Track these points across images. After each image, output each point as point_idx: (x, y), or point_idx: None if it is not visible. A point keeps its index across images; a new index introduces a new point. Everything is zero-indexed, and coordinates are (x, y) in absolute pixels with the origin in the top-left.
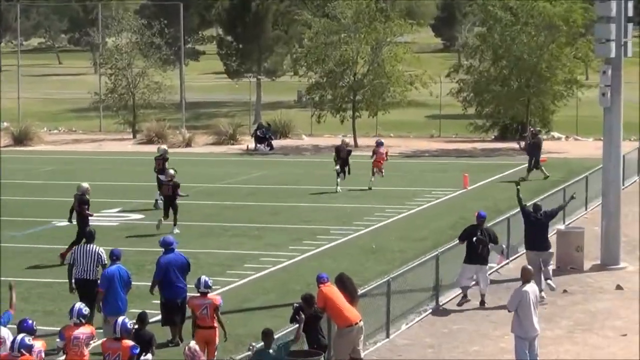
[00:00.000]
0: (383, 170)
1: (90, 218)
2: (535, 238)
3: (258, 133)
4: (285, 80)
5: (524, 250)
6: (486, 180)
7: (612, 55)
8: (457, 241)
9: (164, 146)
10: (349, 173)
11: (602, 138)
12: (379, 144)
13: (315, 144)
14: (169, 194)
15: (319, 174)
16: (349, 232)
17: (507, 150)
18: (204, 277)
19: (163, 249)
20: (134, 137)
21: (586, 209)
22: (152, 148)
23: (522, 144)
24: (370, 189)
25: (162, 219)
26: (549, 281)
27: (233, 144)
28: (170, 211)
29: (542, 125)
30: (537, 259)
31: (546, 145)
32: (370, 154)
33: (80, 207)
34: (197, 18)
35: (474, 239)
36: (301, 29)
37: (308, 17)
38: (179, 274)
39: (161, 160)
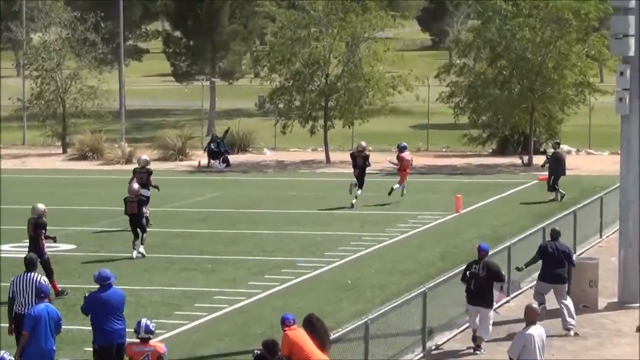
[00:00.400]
0: (403, 182)
1: (48, 244)
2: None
3: (212, 147)
4: (244, 84)
5: (527, 286)
6: (483, 202)
7: (631, 53)
8: (448, 275)
9: (145, 156)
10: (360, 187)
11: (619, 151)
12: (402, 148)
13: (280, 160)
14: (134, 211)
15: (284, 196)
16: (319, 265)
17: (507, 167)
18: (144, 320)
19: (98, 285)
20: (64, 152)
21: (601, 236)
22: (86, 165)
23: (543, 159)
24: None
25: (135, 244)
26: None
27: (182, 160)
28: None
29: (549, 136)
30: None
31: None
32: (395, 161)
33: (36, 232)
34: (140, 10)
35: (467, 272)
36: (263, 22)
37: (271, 9)
38: (116, 314)
39: (145, 174)
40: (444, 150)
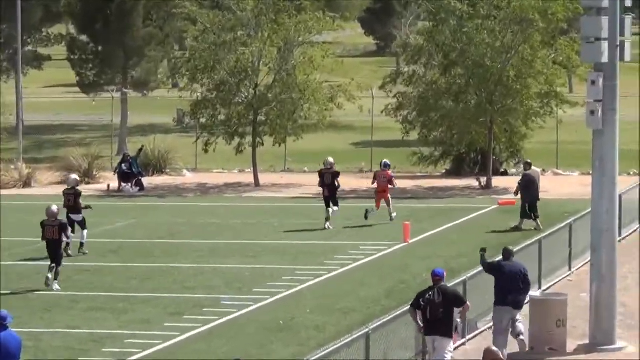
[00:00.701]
0: (390, 205)
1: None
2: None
3: (123, 167)
4: (160, 95)
5: (484, 326)
6: (435, 230)
7: (604, 59)
8: (394, 314)
9: (74, 175)
10: (335, 204)
11: (590, 172)
12: (384, 166)
13: (202, 182)
14: (55, 237)
15: (206, 224)
16: (247, 303)
17: (463, 190)
18: None
19: None
20: None
21: (570, 269)
22: None
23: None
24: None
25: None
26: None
27: (89, 183)
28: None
29: (511, 154)
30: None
31: (514, 182)
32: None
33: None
34: (41, 10)
35: (421, 300)
36: (183, 24)
37: (192, 9)
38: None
39: (72, 196)
40: (390, 171)
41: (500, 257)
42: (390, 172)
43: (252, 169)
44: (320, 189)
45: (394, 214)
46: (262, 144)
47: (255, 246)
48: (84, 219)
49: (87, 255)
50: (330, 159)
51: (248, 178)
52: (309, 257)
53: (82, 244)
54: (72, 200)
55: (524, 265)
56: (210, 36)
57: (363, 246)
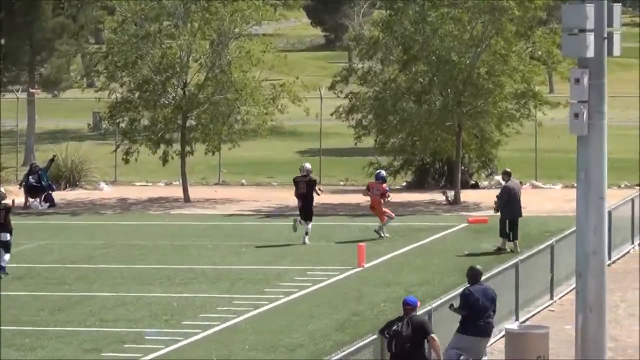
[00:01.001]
0: (385, 218)
1: None
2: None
3: (31, 180)
4: (73, 97)
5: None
6: (394, 252)
7: (590, 54)
8: (348, 351)
9: (2, 189)
10: (307, 219)
11: (575, 184)
12: (378, 177)
13: (122, 197)
14: None
15: (128, 246)
16: (175, 338)
17: (427, 205)
18: None
19: None
20: None
21: (552, 298)
22: None
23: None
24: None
25: None
26: None
27: None
28: None
29: (482, 164)
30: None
31: (486, 196)
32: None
33: None
34: None
35: (385, 332)
36: (99, 14)
37: None
38: None
39: (3, 211)
40: (341, 183)
41: (467, 284)
42: (386, 185)
43: (180, 181)
44: (296, 199)
45: (384, 234)
46: (193, 153)
47: (185, 272)
48: (10, 239)
49: None
50: (307, 165)
51: (176, 192)
52: (248, 284)
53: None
54: (3, 216)
55: (493, 288)
56: (130, 27)
57: (311, 271)
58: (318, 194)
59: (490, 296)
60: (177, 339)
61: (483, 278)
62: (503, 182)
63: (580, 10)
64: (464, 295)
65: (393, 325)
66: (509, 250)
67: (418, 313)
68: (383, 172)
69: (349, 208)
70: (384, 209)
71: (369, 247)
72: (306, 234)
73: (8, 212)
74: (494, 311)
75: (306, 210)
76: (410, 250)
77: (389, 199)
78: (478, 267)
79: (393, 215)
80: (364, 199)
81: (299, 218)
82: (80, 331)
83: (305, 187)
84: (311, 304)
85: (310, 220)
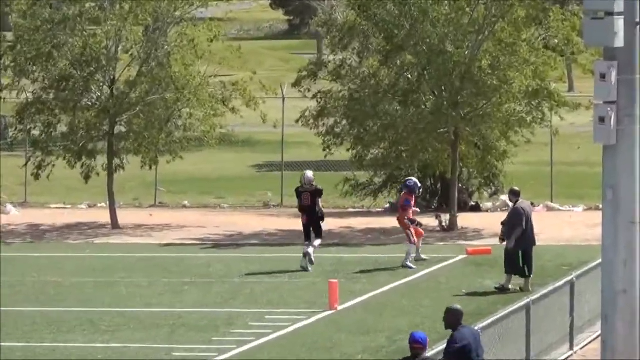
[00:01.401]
0: (408, 238)
1: None
2: None
3: None
4: None
5: None
6: (375, 291)
7: (619, 42)
8: None
9: None
10: (318, 235)
11: (600, 206)
12: (404, 186)
13: (34, 223)
14: None
15: (41, 283)
16: None
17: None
18: None
19: None
20: None
21: (572, 348)
22: None
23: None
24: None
25: None
26: None
27: None
28: None
29: (484, 181)
30: None
31: (489, 221)
32: None
33: None
34: None
35: None
36: None
37: None
38: None
39: None
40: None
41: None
42: (409, 196)
43: (107, 203)
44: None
45: (411, 255)
46: (123, 167)
47: (113, 316)
48: None
49: None
50: (309, 174)
51: (102, 216)
52: (192, 331)
53: None
54: None
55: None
56: (44, 10)
57: (271, 315)
58: (321, 213)
59: (476, 338)
60: None
61: (487, 323)
62: (511, 204)
63: None
64: (454, 345)
65: None
66: (518, 289)
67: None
68: (412, 180)
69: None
70: (408, 226)
71: (343, 285)
72: (313, 246)
73: None
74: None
75: (314, 226)
76: (395, 289)
77: (409, 220)
78: (457, 307)
79: (413, 239)
80: (336, 225)
81: (306, 243)
82: None
83: (310, 199)
84: (271, 355)
85: (320, 236)
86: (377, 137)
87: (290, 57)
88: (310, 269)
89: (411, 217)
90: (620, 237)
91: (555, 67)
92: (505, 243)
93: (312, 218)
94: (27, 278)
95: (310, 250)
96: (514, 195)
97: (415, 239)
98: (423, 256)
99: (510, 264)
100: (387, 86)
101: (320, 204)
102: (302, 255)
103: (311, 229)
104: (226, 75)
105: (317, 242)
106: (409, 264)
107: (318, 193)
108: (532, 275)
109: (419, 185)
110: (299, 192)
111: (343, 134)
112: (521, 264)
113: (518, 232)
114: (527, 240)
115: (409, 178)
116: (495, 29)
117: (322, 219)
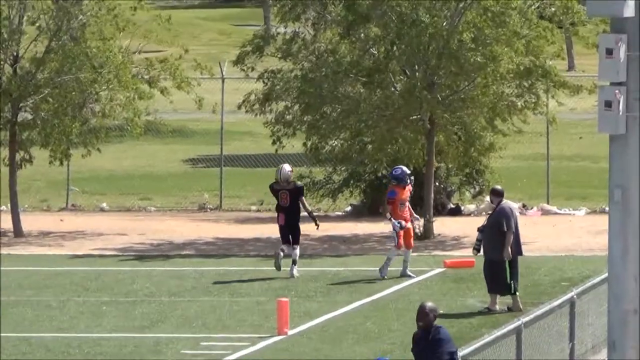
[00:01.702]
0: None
1: None
2: None
3: None
4: None
5: None
6: (333, 312)
7: (629, 12)
8: None
9: None
10: (295, 242)
11: (606, 208)
12: (395, 178)
13: None
14: None
15: None
16: None
17: (382, 241)
18: None
19: None
20: None
21: None
22: None
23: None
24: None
25: None
26: None
27: None
28: None
29: (466, 179)
30: None
31: (471, 227)
32: None
33: None
34: None
35: None
36: None
37: None
38: None
39: None
40: (253, 208)
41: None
42: (397, 187)
43: (9, 206)
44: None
45: (391, 261)
46: (31, 161)
47: (15, 343)
48: None
49: None
50: (287, 168)
51: (2, 222)
52: None
53: None
54: None
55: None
56: None
57: (207, 341)
58: (316, 227)
59: None
60: None
61: (470, 350)
62: (493, 204)
63: None
64: None
65: None
66: (505, 309)
67: None
68: (399, 168)
69: (265, 245)
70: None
71: (296, 304)
72: (293, 263)
73: None
74: None
75: (291, 229)
76: (358, 309)
77: (397, 222)
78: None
79: (399, 241)
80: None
81: (282, 248)
82: None
83: (288, 197)
84: None
85: (298, 243)
86: (337, 125)
87: (231, 29)
88: (296, 274)
89: (399, 214)
90: (630, 246)
91: (551, 41)
92: (481, 254)
93: (291, 220)
94: None
95: (294, 266)
96: (496, 195)
97: (402, 242)
98: (409, 272)
99: (495, 280)
100: (348, 64)
101: (307, 206)
102: (274, 255)
103: (289, 232)
104: (153, 51)
105: (297, 252)
106: (408, 272)
107: (299, 191)
108: (517, 291)
109: (408, 172)
110: (275, 190)
111: (295, 122)
112: (508, 280)
113: (510, 238)
114: (515, 248)
115: (397, 166)
116: None
117: (316, 224)
